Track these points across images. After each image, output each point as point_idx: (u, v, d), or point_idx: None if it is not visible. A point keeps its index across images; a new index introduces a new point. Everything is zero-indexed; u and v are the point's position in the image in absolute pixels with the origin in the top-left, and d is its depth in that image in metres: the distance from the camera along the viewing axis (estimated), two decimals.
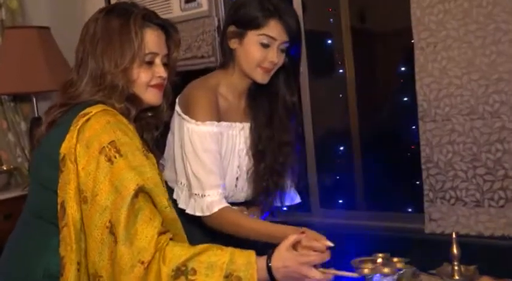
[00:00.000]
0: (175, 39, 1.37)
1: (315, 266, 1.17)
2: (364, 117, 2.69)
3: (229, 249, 1.16)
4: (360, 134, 2.69)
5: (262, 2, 1.48)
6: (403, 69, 2.58)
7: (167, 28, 1.36)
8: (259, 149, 1.57)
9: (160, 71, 1.32)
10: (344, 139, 2.77)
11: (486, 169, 2.09)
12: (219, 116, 1.52)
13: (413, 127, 2.30)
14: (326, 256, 1.18)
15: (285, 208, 1.72)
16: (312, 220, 2.49)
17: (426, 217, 2.20)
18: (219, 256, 1.13)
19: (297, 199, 1.70)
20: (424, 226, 2.20)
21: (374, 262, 1.31)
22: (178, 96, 1.55)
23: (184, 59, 2.71)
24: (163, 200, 1.19)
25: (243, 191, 1.60)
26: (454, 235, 1.37)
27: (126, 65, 1.25)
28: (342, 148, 2.81)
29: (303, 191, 2.05)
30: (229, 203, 1.51)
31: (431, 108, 2.15)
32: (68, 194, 1.16)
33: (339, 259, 1.30)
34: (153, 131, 1.39)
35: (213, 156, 1.47)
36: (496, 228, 2.08)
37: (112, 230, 1.12)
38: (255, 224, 1.45)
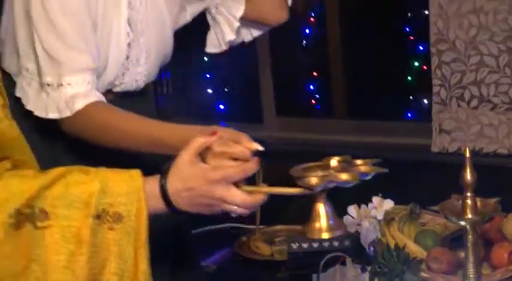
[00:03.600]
0: None
1: (237, 185, 1.10)
2: None
3: (100, 171, 1.08)
4: None
5: None
6: None
7: None
8: None
9: None
10: (313, 4, 2.69)
11: None
12: None
13: None
14: (253, 166, 1.10)
15: (221, 107, 1.72)
16: (264, 135, 2.41)
17: (435, 126, 2.17)
18: (83, 185, 1.05)
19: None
20: (432, 141, 2.18)
21: (326, 167, 1.21)
22: None
23: None
24: None
25: (139, 65, 1.55)
26: (467, 153, 1.30)
27: None
28: (311, 20, 2.73)
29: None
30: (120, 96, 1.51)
31: None
32: None
33: None
34: None
35: (78, 21, 1.40)
36: None
37: None
38: (140, 124, 1.41)
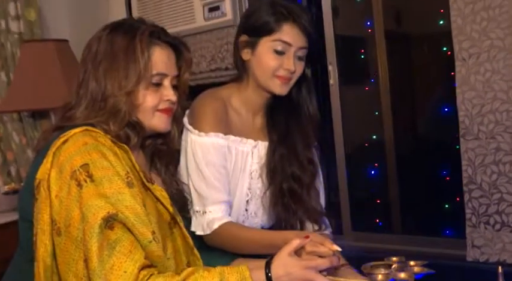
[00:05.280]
0: (187, 59, 1.38)
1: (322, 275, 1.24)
2: (400, 132, 2.80)
3: (218, 269, 1.19)
4: (396, 150, 2.80)
5: (274, 5, 1.55)
6: (443, 80, 2.68)
7: (177, 46, 1.38)
8: (271, 167, 1.62)
9: (169, 94, 1.34)
10: (378, 155, 2.89)
11: None
12: (227, 129, 1.58)
13: (454, 144, 2.42)
14: (334, 261, 1.25)
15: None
16: (343, 244, 2.35)
17: (468, 242, 2.31)
18: (206, 279, 1.15)
19: (327, 229, 1.73)
20: (466, 253, 2.32)
21: (388, 266, 1.33)
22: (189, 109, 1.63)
23: (208, 71, 2.84)
24: (146, 232, 1.18)
25: (256, 217, 1.67)
26: (500, 269, 1.40)
27: (130, 88, 1.26)
28: (375, 165, 2.93)
29: (332, 212, 2.20)
30: None
31: (473, 124, 2.26)
32: (39, 225, 1.16)
33: None
34: (168, 160, 1.43)
35: (217, 170, 1.54)
36: None
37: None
38: (254, 234, 1.52)
